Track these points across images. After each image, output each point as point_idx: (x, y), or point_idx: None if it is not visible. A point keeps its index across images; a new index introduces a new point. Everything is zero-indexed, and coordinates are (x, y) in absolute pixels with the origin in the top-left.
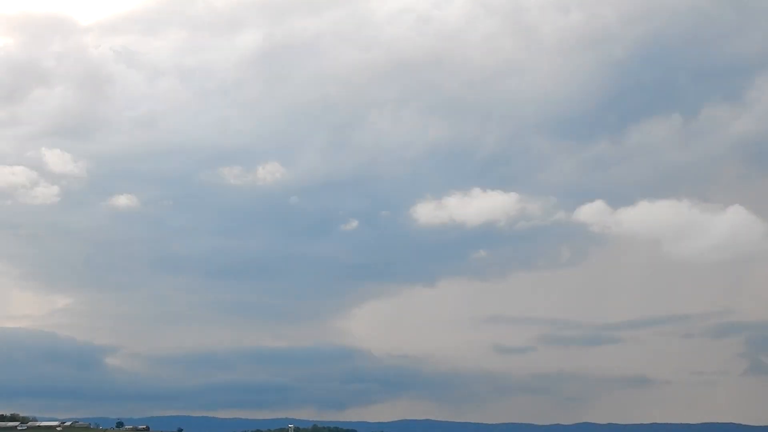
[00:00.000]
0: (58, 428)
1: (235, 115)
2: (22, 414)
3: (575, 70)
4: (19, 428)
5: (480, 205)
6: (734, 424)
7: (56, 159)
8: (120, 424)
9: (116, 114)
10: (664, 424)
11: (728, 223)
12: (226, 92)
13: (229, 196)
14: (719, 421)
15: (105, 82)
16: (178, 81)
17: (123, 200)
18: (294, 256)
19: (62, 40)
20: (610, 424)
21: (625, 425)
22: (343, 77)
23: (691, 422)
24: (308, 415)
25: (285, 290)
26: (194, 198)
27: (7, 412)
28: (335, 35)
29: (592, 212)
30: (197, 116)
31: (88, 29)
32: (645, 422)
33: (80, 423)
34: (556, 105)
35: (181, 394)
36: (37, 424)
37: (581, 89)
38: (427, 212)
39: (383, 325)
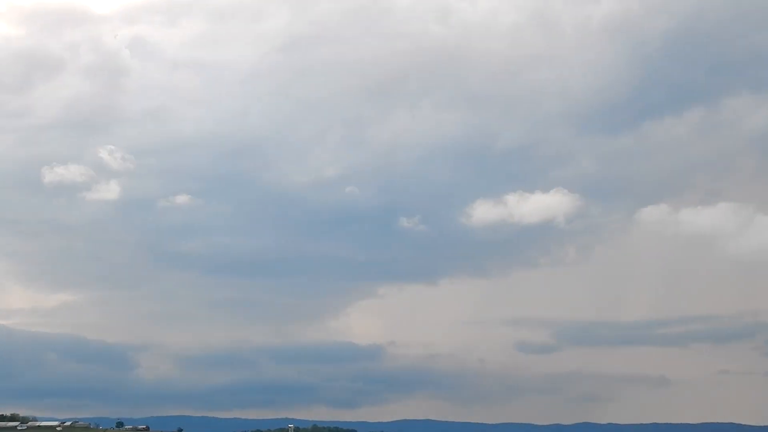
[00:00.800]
0: (58, 428)
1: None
2: (22, 414)
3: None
4: (19, 428)
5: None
6: (735, 424)
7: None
8: (120, 424)
9: (131, 106)
10: (664, 423)
11: None
12: (249, 83)
13: (252, 191)
14: (721, 421)
15: (121, 72)
16: (197, 72)
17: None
18: (309, 254)
19: (77, 29)
20: (610, 424)
21: (625, 425)
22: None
23: (691, 422)
24: (320, 414)
25: (297, 288)
26: (220, 192)
27: (7, 412)
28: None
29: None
30: (217, 109)
31: (104, 18)
32: (645, 422)
33: (80, 423)
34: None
35: (181, 394)
36: (37, 424)
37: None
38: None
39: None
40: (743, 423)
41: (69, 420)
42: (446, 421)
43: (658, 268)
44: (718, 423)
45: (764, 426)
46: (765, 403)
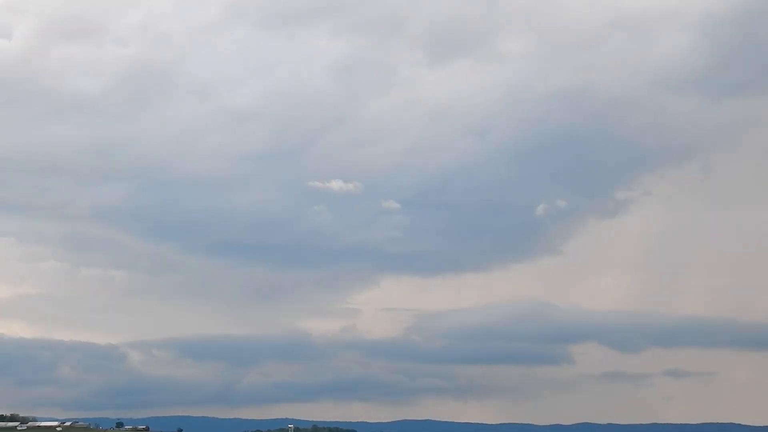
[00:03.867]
0: (58, 428)
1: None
2: (21, 414)
3: None
4: (18, 428)
5: None
6: (735, 424)
7: None
8: (120, 424)
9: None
10: (664, 424)
11: None
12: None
13: None
14: (720, 421)
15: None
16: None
17: None
18: None
19: None
20: (610, 424)
21: (625, 425)
22: None
23: (691, 422)
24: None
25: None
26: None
27: (7, 412)
28: None
29: None
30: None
31: None
32: (645, 422)
33: (80, 423)
34: None
35: (181, 394)
36: (37, 424)
37: None
38: None
39: None
40: (743, 423)
41: (69, 420)
42: (445, 422)
43: None
44: (717, 423)
45: (764, 426)
46: (765, 403)
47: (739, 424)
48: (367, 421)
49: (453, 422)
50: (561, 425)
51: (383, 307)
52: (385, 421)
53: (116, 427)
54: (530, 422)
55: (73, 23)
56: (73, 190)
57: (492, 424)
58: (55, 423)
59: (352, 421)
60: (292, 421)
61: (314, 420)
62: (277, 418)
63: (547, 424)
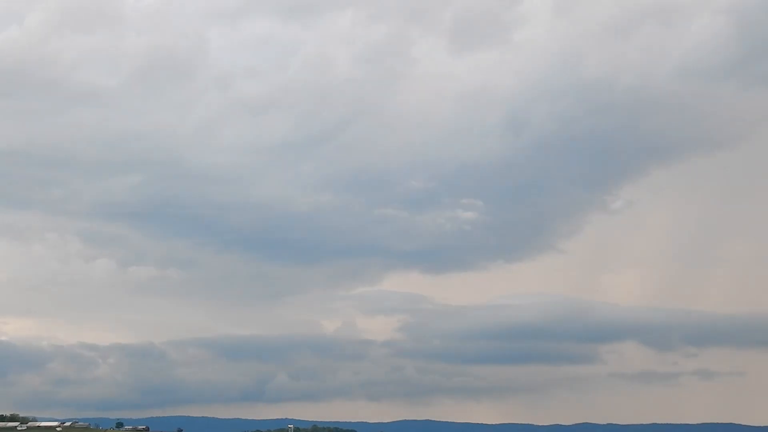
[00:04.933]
0: (58, 428)
1: None
2: (22, 414)
3: None
4: (18, 428)
5: None
6: (735, 424)
7: None
8: (120, 425)
9: None
10: (664, 424)
11: None
12: None
13: None
14: (720, 421)
15: None
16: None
17: None
18: None
19: None
20: (609, 425)
21: (625, 425)
22: None
23: (690, 422)
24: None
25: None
26: None
27: (7, 412)
28: None
29: None
30: None
31: None
32: (645, 422)
33: (80, 423)
34: None
35: (180, 394)
36: (37, 424)
37: None
38: None
39: None
40: (743, 423)
41: (69, 420)
42: (445, 422)
43: None
44: (717, 423)
45: (764, 426)
46: (765, 403)
47: (739, 424)
48: (368, 421)
49: (453, 422)
50: (561, 425)
51: (389, 305)
52: (386, 421)
53: (116, 427)
54: (531, 422)
55: (86, 11)
56: (78, 184)
57: (492, 425)
58: (55, 423)
59: (352, 421)
60: (291, 421)
61: (314, 420)
62: (277, 419)
63: (547, 424)
